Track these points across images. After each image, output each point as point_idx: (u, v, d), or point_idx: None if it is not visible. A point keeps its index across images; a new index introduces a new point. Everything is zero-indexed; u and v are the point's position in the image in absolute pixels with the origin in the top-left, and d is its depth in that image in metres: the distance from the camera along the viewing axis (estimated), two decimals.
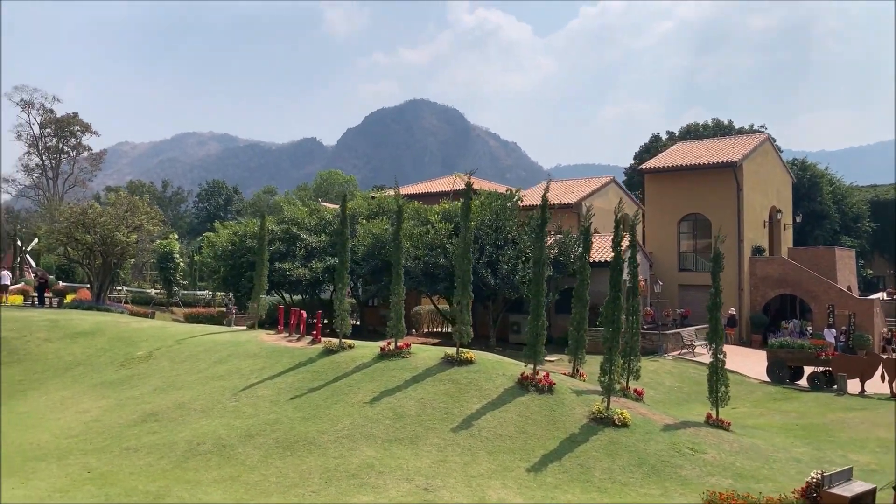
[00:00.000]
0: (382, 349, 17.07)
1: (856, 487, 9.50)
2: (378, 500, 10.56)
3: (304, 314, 21.18)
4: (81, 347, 21.75)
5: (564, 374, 17.15)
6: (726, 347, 15.89)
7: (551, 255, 27.10)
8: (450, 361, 16.02)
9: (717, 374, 15.37)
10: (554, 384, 14.93)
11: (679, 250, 36.75)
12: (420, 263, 27.29)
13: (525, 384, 14.84)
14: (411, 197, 34.89)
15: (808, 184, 49.95)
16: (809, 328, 32.43)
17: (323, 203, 42.39)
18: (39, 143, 72.19)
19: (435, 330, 34.59)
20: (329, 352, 17.75)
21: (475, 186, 17.16)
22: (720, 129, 58.50)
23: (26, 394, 18.55)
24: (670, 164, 37.08)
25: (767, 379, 24.65)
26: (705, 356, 25.93)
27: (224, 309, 35.16)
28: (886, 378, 21.95)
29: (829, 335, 29.15)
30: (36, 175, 73.08)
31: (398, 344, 17.14)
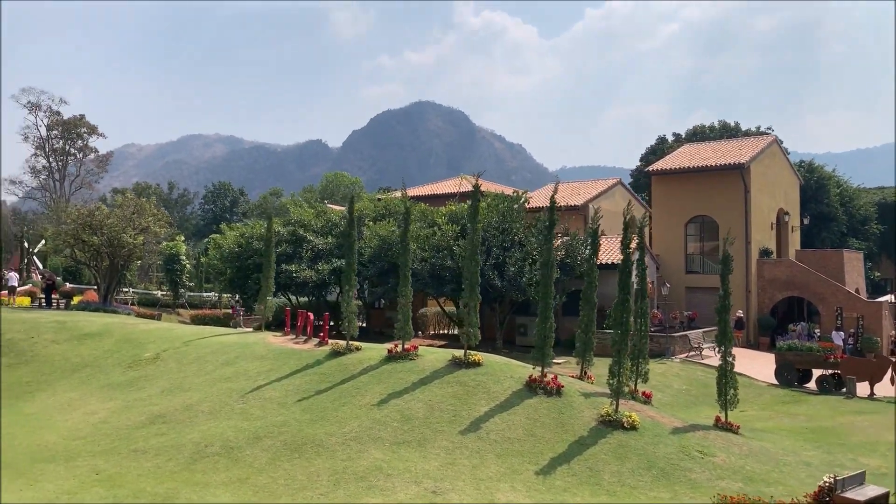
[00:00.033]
0: (390, 351, 17.04)
1: (869, 491, 9.43)
2: (387, 503, 10.52)
3: (311, 316, 21.17)
4: (89, 349, 21.78)
5: (572, 376, 17.08)
6: (734, 350, 15.81)
7: (558, 258, 27.04)
8: (457, 364, 15.97)
9: (726, 377, 15.28)
10: (562, 387, 14.87)
11: (686, 252, 36.65)
12: (427, 265, 27.27)
13: (533, 387, 14.78)
14: (417, 199, 34.92)
15: (815, 186, 49.79)
16: (817, 331, 32.28)
17: (329, 205, 42.42)
18: (46, 146, 72.43)
19: (441, 332, 34.56)
20: (336, 354, 17.72)
21: (482, 188, 17.10)
22: (727, 131, 58.36)
23: (34, 395, 18.58)
24: (677, 166, 36.98)
25: (776, 382, 24.53)
26: (713, 359, 25.87)
27: (231, 311, 35.24)
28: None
29: (838, 338, 29.03)
30: (43, 177, 73.34)
31: (405, 346, 17.10)
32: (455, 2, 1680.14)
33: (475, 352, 16.47)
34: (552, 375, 15.27)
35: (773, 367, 24.98)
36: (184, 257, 43.77)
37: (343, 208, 37.99)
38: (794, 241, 40.79)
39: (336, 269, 28.98)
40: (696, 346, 28.71)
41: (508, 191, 34.37)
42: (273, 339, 20.91)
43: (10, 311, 27.91)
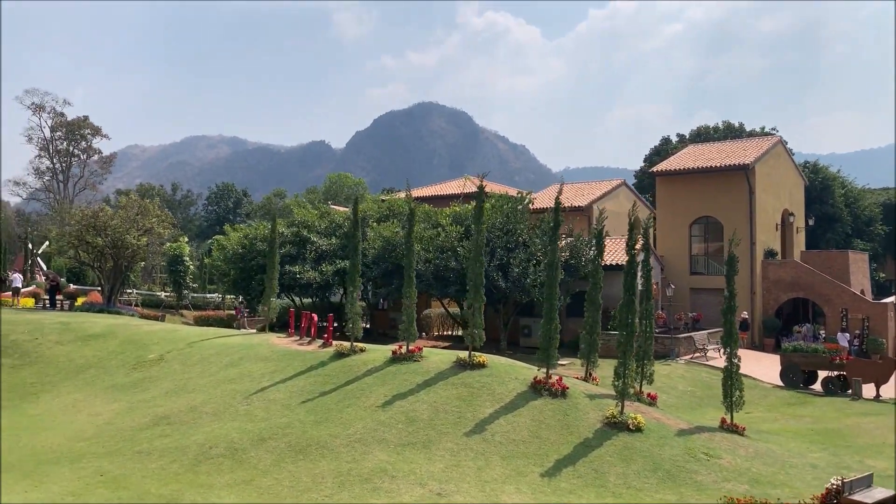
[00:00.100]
0: (394, 353, 17.01)
1: (877, 494, 9.38)
2: None
3: (315, 317, 21.15)
4: (93, 350, 21.79)
5: (577, 378, 17.03)
6: (739, 351, 15.75)
7: (563, 259, 26.99)
8: (462, 365, 15.94)
9: (732, 379, 15.23)
10: (567, 388, 14.83)
11: (691, 253, 36.57)
12: (430, 266, 27.24)
13: (538, 388, 14.74)
14: (421, 200, 34.86)
15: (819, 186, 49.62)
16: (822, 332, 32.19)
17: (332, 206, 42.43)
18: (50, 147, 72.69)
19: (445, 333, 34.53)
20: (340, 355, 17.70)
21: (486, 189, 17.07)
22: (731, 132, 58.22)
23: (38, 396, 18.59)
24: (682, 167, 36.91)
25: (781, 383, 24.45)
26: (717, 360, 25.80)
27: (234, 312, 35.24)
28: None
29: (843, 339, 28.94)
30: (46, 178, 73.58)
31: (410, 347, 17.07)
32: (458, 2, 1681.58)
33: (480, 353, 16.44)
34: (557, 377, 15.23)
35: (779, 368, 24.91)
36: (187, 258, 43.83)
37: (347, 209, 37.99)
38: (799, 242, 40.66)
39: (340, 270, 28.97)
40: (701, 347, 28.63)
41: (512, 192, 34.34)
42: (277, 340, 20.90)
43: (15, 312, 27.96)
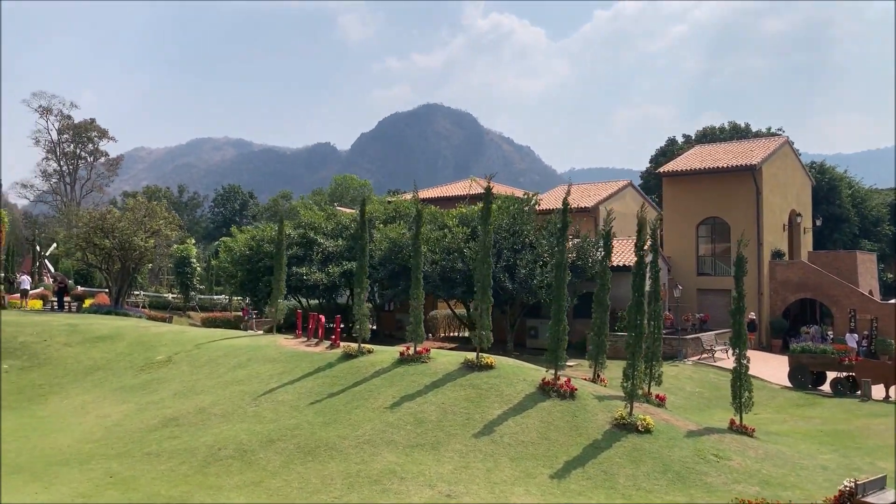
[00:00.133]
0: (402, 354, 17.00)
1: (890, 496, 9.32)
2: None
3: (323, 318, 21.16)
4: (101, 352, 21.85)
5: (585, 379, 17.00)
6: (747, 352, 15.68)
7: (570, 260, 26.94)
8: (470, 366, 15.91)
9: (741, 380, 15.17)
10: (576, 389, 14.79)
11: (698, 254, 36.46)
12: (437, 268, 27.23)
13: (546, 389, 14.71)
14: (427, 201, 34.92)
15: (826, 187, 49.43)
16: (830, 333, 32.05)
17: (339, 207, 42.49)
18: (57, 149, 72.93)
19: (451, 334, 34.50)
20: (348, 356, 17.70)
21: (492, 191, 17.06)
22: (737, 132, 58.05)
23: (47, 398, 18.64)
24: (688, 168, 36.80)
25: (789, 384, 24.34)
26: (725, 361, 25.73)
27: (241, 313, 35.31)
28: None
29: (851, 340, 28.76)
30: (54, 181, 73.83)
31: (417, 349, 17.06)
32: (463, 4, 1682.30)
33: (487, 354, 16.42)
34: (565, 378, 15.20)
35: (787, 369, 24.79)
36: (194, 260, 43.97)
37: (353, 211, 38.02)
38: (807, 242, 40.51)
39: (346, 271, 29.00)
40: (709, 348, 28.54)
41: (518, 193, 34.32)
42: (284, 341, 20.92)
43: (23, 314, 28.06)
